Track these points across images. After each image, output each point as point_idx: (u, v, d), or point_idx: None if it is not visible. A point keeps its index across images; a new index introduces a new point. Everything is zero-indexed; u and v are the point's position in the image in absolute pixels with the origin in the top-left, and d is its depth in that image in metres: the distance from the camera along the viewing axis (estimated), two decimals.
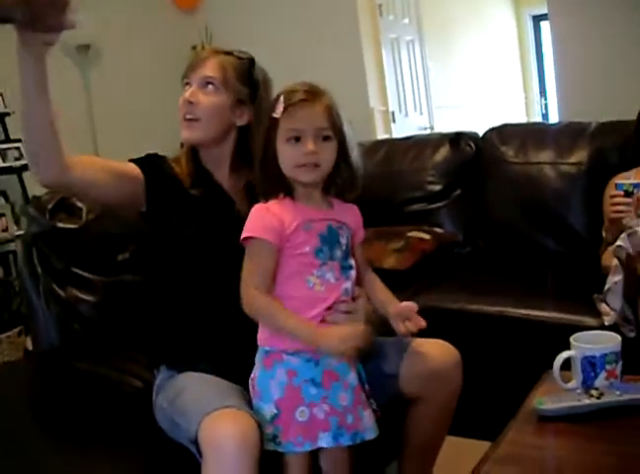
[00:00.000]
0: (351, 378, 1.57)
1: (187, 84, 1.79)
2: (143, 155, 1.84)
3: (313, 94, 1.56)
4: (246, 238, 1.54)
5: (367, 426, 1.57)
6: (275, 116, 1.55)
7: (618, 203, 2.22)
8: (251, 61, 1.83)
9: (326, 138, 1.55)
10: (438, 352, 1.75)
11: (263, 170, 1.59)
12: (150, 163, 1.81)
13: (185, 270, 1.78)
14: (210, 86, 1.77)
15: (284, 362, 1.53)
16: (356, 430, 1.54)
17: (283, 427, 1.50)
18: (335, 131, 1.56)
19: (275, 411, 1.51)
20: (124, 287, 1.82)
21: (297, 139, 1.53)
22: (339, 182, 1.61)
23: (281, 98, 1.55)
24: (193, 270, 1.77)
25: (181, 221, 1.77)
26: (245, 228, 1.55)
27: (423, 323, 1.60)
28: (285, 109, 1.54)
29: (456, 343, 1.79)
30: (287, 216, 1.54)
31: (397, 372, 1.73)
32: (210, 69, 1.77)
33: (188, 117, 1.76)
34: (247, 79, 1.80)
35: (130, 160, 1.80)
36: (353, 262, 1.63)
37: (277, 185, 1.57)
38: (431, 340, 1.78)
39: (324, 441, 1.51)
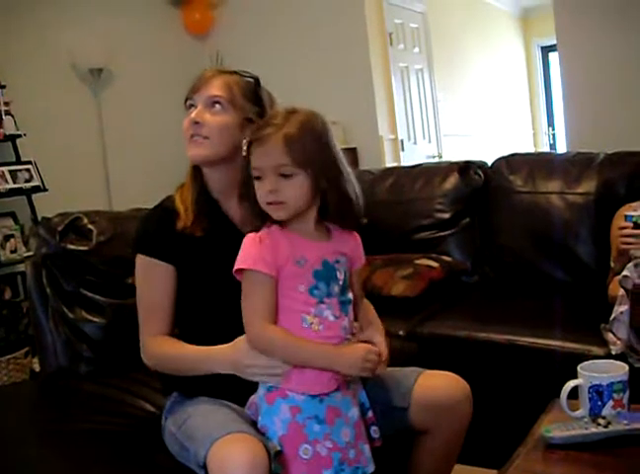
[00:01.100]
0: (352, 413, 1.56)
1: (191, 106, 1.74)
2: (149, 212, 1.80)
3: (274, 127, 1.50)
4: (241, 269, 1.51)
5: (368, 459, 1.56)
6: (243, 154, 1.53)
7: (628, 235, 2.23)
8: (256, 80, 1.79)
9: (287, 175, 1.49)
10: (448, 385, 1.73)
11: (242, 204, 1.57)
12: (161, 235, 1.73)
13: (195, 302, 1.75)
14: (217, 105, 1.71)
15: (288, 399, 1.52)
16: (357, 464, 1.53)
17: (287, 464, 1.49)
18: (299, 164, 1.48)
19: (278, 448, 1.49)
20: (133, 310, 1.82)
21: (259, 178, 1.51)
22: (331, 210, 1.55)
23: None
24: (203, 302, 1.74)
25: (186, 267, 1.73)
26: (240, 259, 1.51)
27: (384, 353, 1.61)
28: (250, 145, 1.51)
29: (463, 370, 1.79)
30: (279, 248, 1.51)
31: (406, 405, 1.72)
32: (216, 88, 1.72)
33: (195, 139, 1.70)
34: (254, 97, 1.75)
35: (141, 236, 1.77)
36: (351, 295, 1.61)
37: (264, 215, 1.54)
38: (441, 372, 1.77)
39: None
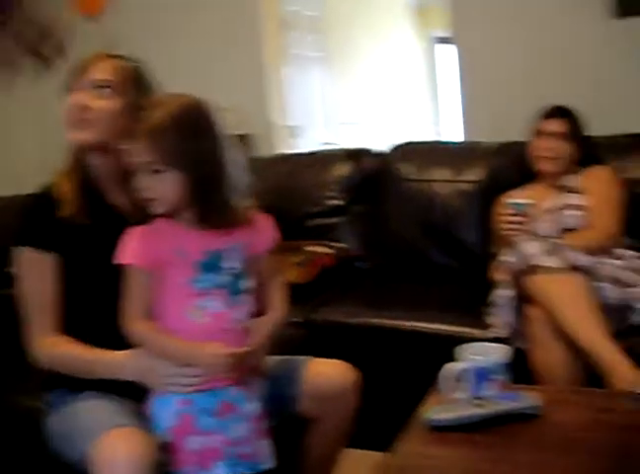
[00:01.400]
0: (248, 408, 1.54)
1: (75, 89, 1.67)
2: (27, 201, 1.72)
3: (142, 121, 1.47)
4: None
5: (265, 455, 1.55)
6: (122, 147, 1.50)
7: (510, 222, 2.30)
8: (142, 66, 1.75)
9: (157, 171, 1.45)
10: (336, 373, 1.74)
11: (125, 195, 1.56)
12: (45, 225, 1.65)
13: (81, 295, 1.67)
14: (103, 89, 1.65)
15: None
16: (254, 459, 1.52)
17: (175, 456, 1.47)
18: (166, 161, 1.45)
19: (166, 439, 1.47)
20: (11, 301, 1.73)
21: (135, 172, 1.48)
22: (205, 209, 1.50)
23: None
24: (90, 295, 1.67)
25: (72, 256, 1.65)
26: (118, 253, 1.49)
27: None
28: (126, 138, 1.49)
29: (356, 356, 1.80)
30: (161, 241, 1.49)
31: (294, 393, 1.72)
32: (102, 72, 1.67)
33: (78, 123, 1.64)
34: (140, 83, 1.71)
35: (24, 228, 1.67)
36: (249, 283, 1.58)
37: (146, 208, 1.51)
38: (329, 360, 1.77)
39: (220, 471, 1.48)
